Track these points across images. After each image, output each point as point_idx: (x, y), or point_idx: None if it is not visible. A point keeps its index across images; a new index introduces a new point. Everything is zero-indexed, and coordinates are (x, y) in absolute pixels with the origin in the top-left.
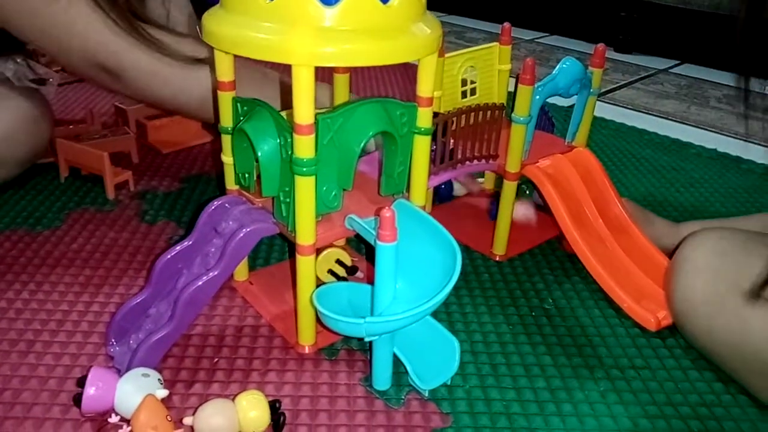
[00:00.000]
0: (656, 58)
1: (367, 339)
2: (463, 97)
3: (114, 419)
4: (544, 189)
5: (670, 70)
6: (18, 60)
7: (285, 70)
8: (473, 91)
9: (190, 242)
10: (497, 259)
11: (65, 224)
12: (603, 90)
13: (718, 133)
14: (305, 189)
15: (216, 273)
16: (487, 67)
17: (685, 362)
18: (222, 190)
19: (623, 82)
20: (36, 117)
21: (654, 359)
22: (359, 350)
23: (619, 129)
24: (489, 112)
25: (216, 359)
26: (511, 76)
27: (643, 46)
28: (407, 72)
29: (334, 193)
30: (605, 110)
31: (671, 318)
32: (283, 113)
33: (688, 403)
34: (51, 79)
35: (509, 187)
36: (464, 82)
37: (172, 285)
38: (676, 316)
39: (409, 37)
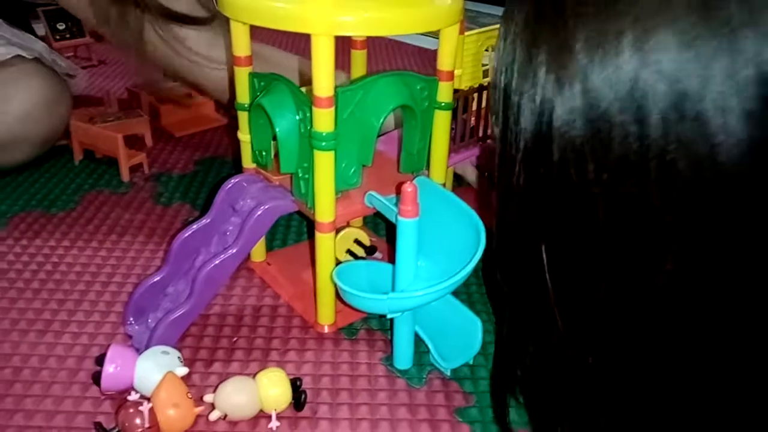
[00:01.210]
0: None
1: (389, 315)
2: (484, 77)
3: (134, 397)
4: None
5: None
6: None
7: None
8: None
9: (208, 220)
10: None
11: (80, 206)
12: None
13: None
14: (324, 164)
15: (234, 251)
16: None
17: None
18: (238, 170)
19: None
20: (55, 98)
21: None
22: (379, 330)
23: None
24: None
25: (235, 338)
26: None
27: None
28: (420, 56)
29: (353, 169)
30: None
31: None
32: (303, 89)
33: None
34: (78, 75)
35: None
36: None
37: (189, 264)
38: None
39: (430, 6)
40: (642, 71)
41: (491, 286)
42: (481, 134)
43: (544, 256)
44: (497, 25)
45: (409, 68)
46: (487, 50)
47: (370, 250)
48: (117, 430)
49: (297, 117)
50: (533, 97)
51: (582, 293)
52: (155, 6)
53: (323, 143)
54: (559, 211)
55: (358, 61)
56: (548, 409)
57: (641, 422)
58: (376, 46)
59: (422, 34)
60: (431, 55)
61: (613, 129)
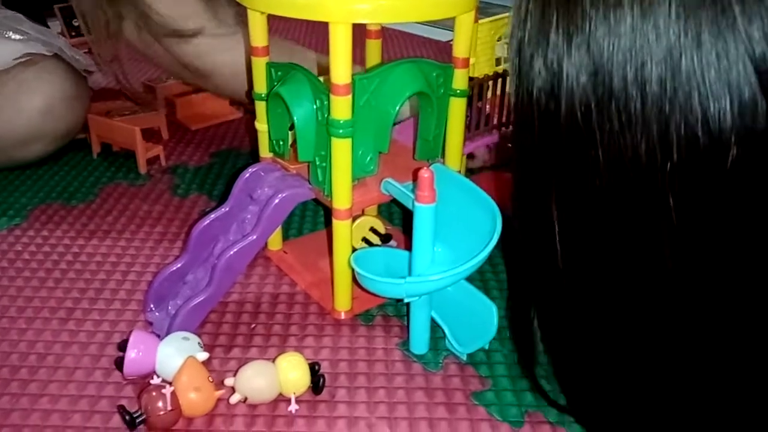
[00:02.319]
0: None
1: (406, 300)
2: (497, 65)
3: (156, 381)
4: None
5: None
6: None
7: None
8: (506, 59)
9: (226, 209)
10: None
11: (99, 198)
12: None
13: None
14: (342, 152)
15: (254, 237)
16: None
17: None
18: (254, 161)
19: None
20: (74, 94)
21: None
22: (395, 316)
23: None
24: None
25: (253, 325)
26: None
27: None
28: (429, 47)
29: (370, 156)
30: None
31: None
32: (321, 78)
33: None
34: (95, 70)
35: None
36: None
37: (208, 252)
38: None
39: None
40: (641, 35)
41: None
42: (495, 122)
43: (555, 213)
44: (508, 14)
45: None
46: (498, 39)
47: (385, 238)
48: (140, 413)
49: (314, 105)
50: (545, 52)
51: (588, 250)
52: (157, 26)
53: (340, 130)
54: (568, 168)
55: (373, 50)
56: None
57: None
58: (386, 36)
59: (433, 25)
60: (440, 46)
61: (615, 87)
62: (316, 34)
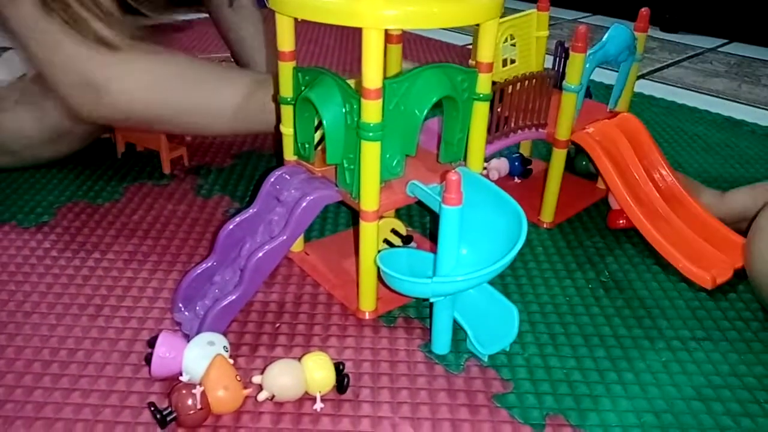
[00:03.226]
0: (703, 37)
1: (432, 300)
2: (503, 66)
3: (185, 378)
4: (594, 154)
5: (719, 49)
6: None
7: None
8: (512, 60)
9: (254, 210)
10: (545, 226)
11: (124, 197)
12: (651, 69)
13: None
14: (371, 154)
15: (283, 238)
16: (525, 35)
17: (748, 334)
18: (278, 162)
19: (671, 61)
20: None
21: (716, 331)
22: (416, 318)
23: (669, 107)
24: (541, 80)
25: (278, 325)
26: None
27: (690, 24)
28: (447, 50)
29: (397, 159)
30: (655, 88)
31: (749, 283)
32: (351, 82)
33: (753, 374)
34: None
35: (558, 155)
36: None
37: (236, 253)
38: (754, 280)
39: (473, 0)
40: None
41: None
42: (513, 125)
43: None
44: (515, 15)
45: (432, 61)
46: (505, 41)
47: (406, 240)
48: (170, 411)
49: (343, 109)
50: None
51: None
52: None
53: (371, 134)
54: None
55: (394, 55)
56: None
57: None
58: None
59: (449, 29)
60: (456, 50)
61: None
62: (342, 39)
